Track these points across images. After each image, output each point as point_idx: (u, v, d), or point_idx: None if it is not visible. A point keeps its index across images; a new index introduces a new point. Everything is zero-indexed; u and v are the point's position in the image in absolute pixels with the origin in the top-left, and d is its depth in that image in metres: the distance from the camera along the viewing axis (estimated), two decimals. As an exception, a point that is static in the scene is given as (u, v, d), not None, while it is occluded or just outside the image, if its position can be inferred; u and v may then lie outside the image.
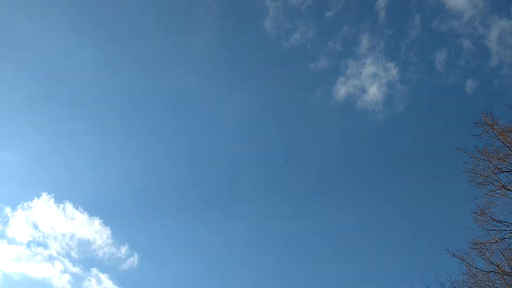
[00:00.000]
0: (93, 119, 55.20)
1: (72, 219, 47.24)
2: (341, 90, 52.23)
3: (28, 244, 46.17)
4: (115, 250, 47.07)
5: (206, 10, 56.60)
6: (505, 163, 18.74)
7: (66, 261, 45.54)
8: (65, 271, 45.03)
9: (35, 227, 46.77)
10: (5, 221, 48.02)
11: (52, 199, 46.94)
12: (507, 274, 18.61)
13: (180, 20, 57.72)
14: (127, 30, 56.81)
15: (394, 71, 51.56)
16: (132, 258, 46.95)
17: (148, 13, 58.35)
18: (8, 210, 48.30)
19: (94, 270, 45.50)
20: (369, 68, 51.85)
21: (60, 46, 55.38)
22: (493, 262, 19.10)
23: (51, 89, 54.99)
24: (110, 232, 47.65)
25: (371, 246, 48.01)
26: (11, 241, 47.98)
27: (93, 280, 44.78)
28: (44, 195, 47.33)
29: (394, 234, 48.17)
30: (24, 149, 53.90)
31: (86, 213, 47.73)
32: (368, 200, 51.45)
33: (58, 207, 46.95)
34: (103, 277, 44.99)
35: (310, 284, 46.40)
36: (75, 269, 45.35)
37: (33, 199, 48.17)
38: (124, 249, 47.17)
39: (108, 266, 46.81)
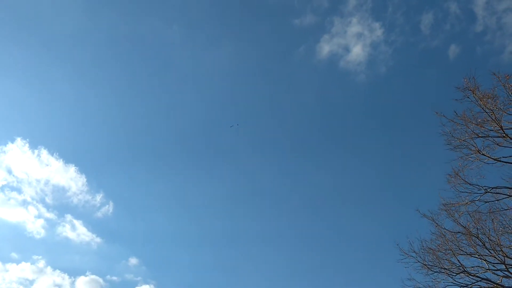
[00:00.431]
0: (71, 64, 53.28)
1: (47, 165, 46.56)
2: (325, 48, 51.50)
3: (2, 188, 45.57)
4: (90, 197, 46.97)
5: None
6: (483, 128, 18.99)
7: (40, 206, 45.30)
8: (39, 216, 44.89)
9: (9, 171, 46.01)
10: (-23, 164, 46.96)
11: (27, 145, 45.98)
12: (473, 236, 19.35)
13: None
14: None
15: (379, 32, 50.98)
16: (107, 206, 47.03)
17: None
18: (-20, 153, 47.15)
19: (69, 217, 45.48)
20: (355, 27, 51.07)
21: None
22: (461, 223, 19.81)
23: (27, 32, 52.55)
24: (85, 179, 47.31)
25: (345, 204, 49.20)
26: (-18, 184, 47.10)
27: (67, 226, 44.86)
28: (19, 140, 46.27)
29: (369, 193, 49.37)
30: (0, 92, 52.03)
31: (61, 159, 47.07)
32: (345, 159, 52.22)
33: (33, 152, 46.09)
34: (78, 223, 45.10)
35: (287, 240, 47.63)
36: (49, 215, 45.23)
37: (7, 143, 47.05)
38: (99, 197, 47.12)
39: (83, 213, 46.86)
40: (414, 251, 20.64)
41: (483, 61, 45.16)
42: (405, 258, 20.76)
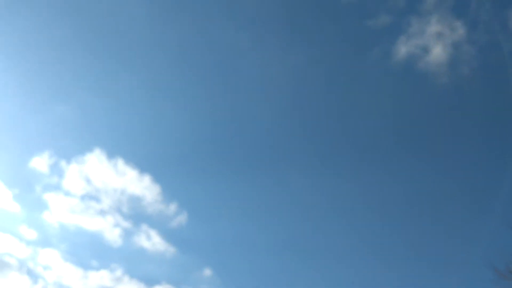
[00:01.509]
0: (142, 72, 54.89)
1: (124, 174, 48.28)
2: (402, 49, 48.66)
3: (82, 198, 47.87)
4: (164, 207, 47.94)
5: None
6: None
7: (117, 215, 47.01)
8: (116, 225, 46.55)
9: (88, 181, 48.24)
10: (61, 174, 49.81)
11: (105, 154, 48.02)
12: None
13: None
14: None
15: (461, 30, 47.26)
16: (181, 216, 47.76)
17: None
18: (63, 163, 50.05)
19: (144, 226, 46.71)
20: (434, 27, 47.73)
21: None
22: None
23: (103, 42, 54.91)
24: (160, 189, 48.39)
25: (424, 217, 45.87)
26: (67, 194, 49.84)
27: (143, 236, 46.14)
28: (97, 150, 48.47)
29: (451, 205, 45.63)
30: (78, 102, 54.73)
31: (136, 169, 48.57)
32: (428, 168, 48.72)
33: (110, 162, 48.01)
34: (153, 233, 46.18)
35: (360, 255, 45.38)
36: (126, 224, 46.74)
37: (86, 153, 49.48)
38: (173, 206, 47.95)
39: (157, 223, 47.85)
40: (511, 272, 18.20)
41: None
42: (499, 280, 18.32)
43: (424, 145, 50.95)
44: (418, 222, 46.39)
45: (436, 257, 42.32)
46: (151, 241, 47.78)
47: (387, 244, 45.59)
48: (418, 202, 47.53)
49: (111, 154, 51.15)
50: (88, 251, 48.46)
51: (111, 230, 47.89)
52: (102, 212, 48.23)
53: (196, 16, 55.23)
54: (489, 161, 46.24)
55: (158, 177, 51.34)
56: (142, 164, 51.66)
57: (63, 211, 47.98)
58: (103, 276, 44.73)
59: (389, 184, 49.85)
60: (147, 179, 50.14)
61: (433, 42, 48.69)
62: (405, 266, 43.66)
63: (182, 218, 49.46)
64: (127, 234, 48.11)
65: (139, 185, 49.77)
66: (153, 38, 55.81)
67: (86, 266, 45.61)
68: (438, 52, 48.08)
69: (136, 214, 49.42)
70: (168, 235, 48.53)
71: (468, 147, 48.89)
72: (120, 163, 49.96)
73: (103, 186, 49.54)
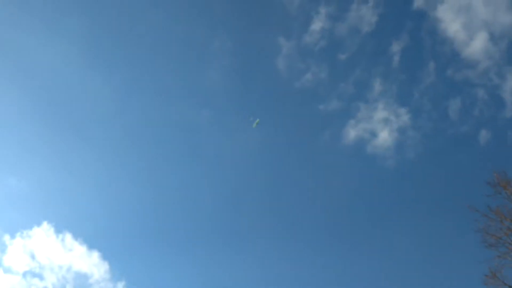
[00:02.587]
0: (99, 150, 54.96)
1: (71, 250, 46.40)
2: (351, 133, 51.78)
3: (24, 275, 45.25)
4: (112, 286, 45.95)
5: (220, 45, 56.97)
6: (519, 225, 18.06)
7: (61, 294, 44.51)
8: (60, 306, 43.96)
9: (32, 257, 45.95)
10: (3, 249, 47.27)
11: (52, 229, 46.28)
12: None
13: (194, 54, 58.06)
14: (140, 60, 57.18)
15: (406, 117, 51.18)
16: (129, 295, 45.75)
17: (163, 44, 58.83)
18: (6, 237, 47.64)
19: (89, 307, 44.33)
20: (381, 113, 51.49)
21: (70, 74, 55.77)
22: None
23: (57, 118, 55.10)
24: (108, 266, 46.63)
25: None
26: (7, 270, 47.06)
27: (88, 317, 43.59)
28: (45, 224, 46.68)
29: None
30: (29, 175, 53.54)
31: (85, 245, 46.90)
32: (372, 250, 50.14)
33: (57, 237, 46.20)
34: (98, 315, 43.80)
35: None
36: (70, 304, 44.27)
37: (33, 227, 47.49)
38: (121, 286, 46.05)
39: (105, 302, 45.63)
40: None
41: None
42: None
43: (374, 227, 52.59)
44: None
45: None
46: (96, 323, 45.17)
47: None
48: (364, 280, 48.11)
49: (59, 228, 49.52)
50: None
51: (53, 312, 45.08)
52: (45, 291, 45.63)
53: (158, 95, 56.88)
54: (435, 246, 48.13)
55: (106, 254, 49.82)
56: (91, 240, 50.16)
57: (2, 290, 44.99)
58: None
59: (333, 263, 50.51)
60: (95, 256, 48.48)
61: (380, 127, 52.22)
62: None
63: (129, 299, 47.45)
64: (72, 315, 45.36)
65: (87, 261, 47.91)
66: (110, 114, 56.53)
67: None
68: (384, 136, 51.44)
69: (82, 293, 47.03)
70: (116, 316, 46.17)
71: (415, 232, 50.86)
72: (68, 238, 48.33)
73: (48, 262, 47.33)
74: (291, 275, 50.05)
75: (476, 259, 19.32)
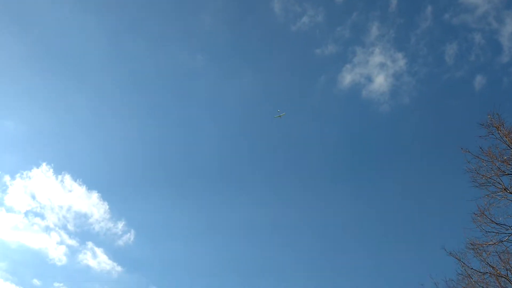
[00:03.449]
0: (96, 92, 54.73)
1: (70, 191, 47.21)
2: (347, 77, 51.60)
3: (26, 214, 46.40)
4: (112, 225, 47.25)
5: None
6: (509, 165, 18.46)
7: (62, 232, 45.79)
8: (61, 242, 45.32)
9: (33, 197, 46.85)
10: (4, 189, 48.09)
11: (51, 170, 46.83)
12: (502, 277, 18.57)
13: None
14: (135, 5, 55.76)
15: (402, 62, 50.84)
16: (129, 234, 47.15)
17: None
18: (7, 178, 48.35)
19: (90, 244, 45.77)
20: (377, 57, 51.06)
21: (65, 18, 54.44)
22: (489, 264, 19.03)
23: (55, 60, 54.34)
24: (107, 207, 47.73)
25: (367, 239, 48.13)
26: (9, 210, 48.14)
27: (89, 254, 45.13)
28: (44, 165, 47.19)
29: (390, 228, 48.23)
30: (27, 118, 53.61)
31: (84, 186, 47.68)
32: (367, 192, 51.40)
33: (57, 178, 46.86)
34: (99, 251, 45.32)
35: (303, 275, 46.77)
36: (71, 242, 45.64)
37: (32, 168, 48.04)
38: (121, 225, 47.34)
39: (104, 241, 47.12)
40: (439, 292, 19.89)
41: (510, 92, 44.22)
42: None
43: (368, 170, 53.49)
44: (362, 243, 48.33)
45: (379, 276, 44.27)
46: (97, 259, 46.79)
47: (341, 256, 47.07)
48: (364, 225, 49.61)
49: (58, 170, 50.04)
50: (30, 270, 46.73)
51: (55, 247, 46.50)
52: (46, 229, 46.79)
53: (153, 40, 55.67)
54: (428, 188, 49.27)
55: (106, 195, 50.77)
56: (90, 181, 50.89)
57: (5, 227, 46.09)
58: (45, 295, 43.24)
59: (337, 207, 51.77)
60: (94, 196, 49.34)
61: (376, 72, 51.82)
62: (346, 281, 45.28)
63: (129, 236, 48.92)
64: (72, 252, 46.87)
65: (87, 202, 48.86)
66: (108, 59, 55.63)
67: (27, 285, 43.96)
68: (380, 81, 51.19)
69: (82, 231, 48.37)
70: (115, 253, 47.81)
71: (409, 174, 51.82)
72: (67, 179, 48.88)
73: (49, 202, 48.20)
74: (286, 215, 51.46)
75: (466, 198, 19.91)
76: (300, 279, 45.53)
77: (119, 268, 43.86)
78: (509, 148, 18.49)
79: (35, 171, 46.09)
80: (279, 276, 46.18)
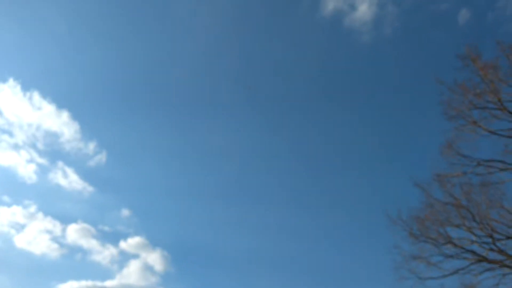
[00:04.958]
0: (68, 6, 51.56)
1: (39, 109, 45.72)
2: (330, 4, 49.69)
3: (-7, 130, 45.00)
4: (83, 145, 46.47)
5: None
6: (481, 99, 18.46)
7: (32, 151, 44.94)
8: (30, 161, 44.57)
9: (0, 113, 45.28)
10: (-31, 105, 46.17)
11: (19, 86, 44.98)
12: (463, 207, 19.21)
13: None
14: None
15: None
16: (100, 155, 46.64)
17: None
18: (-29, 93, 46.28)
19: (60, 164, 45.18)
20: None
21: None
22: (452, 194, 19.60)
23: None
24: (78, 126, 46.55)
25: (336, 166, 48.95)
26: (-25, 126, 46.59)
27: (59, 173, 44.73)
28: (11, 81, 45.23)
29: (362, 156, 48.96)
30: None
31: (54, 104, 46.13)
32: (341, 120, 51.48)
33: (25, 95, 45.13)
34: (69, 171, 44.89)
35: (278, 199, 47.77)
36: (41, 160, 44.94)
37: (-2, 83, 45.98)
38: (92, 145, 46.63)
39: (75, 161, 46.46)
40: (402, 220, 20.56)
41: (494, 28, 43.46)
42: (392, 226, 20.70)
43: (344, 99, 53.49)
44: (332, 169, 49.47)
45: (344, 202, 45.90)
46: (68, 179, 46.55)
47: (304, 189, 48.36)
48: (336, 152, 50.46)
49: (26, 86, 48.28)
50: (-1, 186, 46.44)
51: (24, 166, 45.98)
52: (15, 147, 46.01)
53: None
54: (402, 120, 49.83)
55: (77, 114, 49.57)
56: (60, 100, 49.43)
57: (-28, 144, 45.16)
58: (15, 212, 43.45)
59: (309, 134, 52.23)
60: (65, 115, 48.17)
61: (360, 0, 50.21)
62: (315, 207, 46.85)
63: (101, 157, 48.51)
64: (42, 171, 46.42)
65: (56, 121, 47.65)
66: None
67: (-4, 201, 43.92)
68: (364, 10, 49.76)
69: (52, 151, 47.65)
70: (86, 174, 47.53)
71: (385, 105, 52.13)
72: (36, 96, 47.36)
73: (17, 119, 46.94)
74: (266, 140, 51.77)
75: (438, 131, 20.09)
76: (283, 203, 46.63)
77: (90, 188, 43.84)
78: (482, 81, 18.38)
79: (1, 86, 44.15)
80: (262, 200, 47.10)
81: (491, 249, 18.65)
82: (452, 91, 19.19)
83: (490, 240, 18.78)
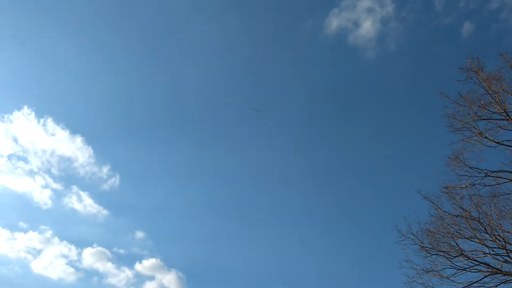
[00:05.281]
0: (76, 31, 52.83)
1: (53, 135, 46.59)
2: (334, 22, 50.38)
3: (9, 157, 45.93)
4: (97, 169, 47.12)
5: None
6: (485, 110, 18.51)
7: (46, 176, 45.64)
8: (45, 186, 45.24)
9: (15, 140, 46.17)
10: (-15, 133, 47.16)
11: (33, 113, 45.93)
12: (474, 219, 19.06)
13: None
14: None
15: (390, 7, 49.59)
16: (114, 178, 47.22)
17: None
18: (-13, 122, 47.29)
19: (75, 188, 45.77)
20: (365, 2, 49.69)
21: None
22: (461, 206, 19.48)
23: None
24: (92, 151, 47.32)
25: (346, 181, 48.92)
26: (-8, 153, 47.48)
27: (74, 197, 45.29)
28: (25, 108, 46.23)
29: (370, 171, 48.91)
30: (7, 59, 51.79)
31: (67, 130, 47.00)
32: (348, 136, 51.64)
33: (39, 122, 46.05)
34: (84, 195, 45.44)
35: (292, 213, 47.72)
36: (56, 185, 45.61)
37: (13, 111, 47.05)
38: (106, 169, 47.27)
39: (89, 185, 47.08)
40: (412, 233, 20.43)
41: (497, 40, 43.66)
42: (402, 240, 20.56)
43: (351, 116, 53.63)
44: (342, 185, 49.32)
45: (354, 217, 45.65)
46: (82, 203, 47.07)
47: (316, 207, 48.26)
48: (345, 167, 50.42)
49: (40, 113, 49.21)
50: (15, 212, 46.98)
51: (40, 191, 46.61)
52: (30, 173, 46.73)
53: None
54: (409, 134, 49.77)
55: (90, 139, 50.34)
56: (73, 125, 50.27)
57: (-12, 171, 45.89)
58: (31, 237, 43.89)
59: (318, 149, 52.28)
60: (78, 141, 48.96)
61: (364, 17, 50.77)
62: (326, 221, 46.64)
63: (114, 181, 49.06)
64: (57, 196, 47.00)
65: (70, 146, 48.46)
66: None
67: (13, 228, 44.42)
68: (367, 27, 50.28)
69: (66, 175, 48.30)
70: (100, 197, 48.04)
71: (391, 121, 52.13)
72: (50, 123, 48.25)
73: (32, 146, 47.78)
74: (277, 160, 51.92)
75: (443, 143, 20.12)
76: (295, 219, 46.61)
77: (105, 212, 44.28)
78: (486, 93, 18.47)
79: (16, 114, 45.20)
80: (275, 217, 47.04)
81: (506, 261, 18.42)
82: (456, 103, 19.30)
83: (503, 251, 18.55)
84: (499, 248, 18.66)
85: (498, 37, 43.96)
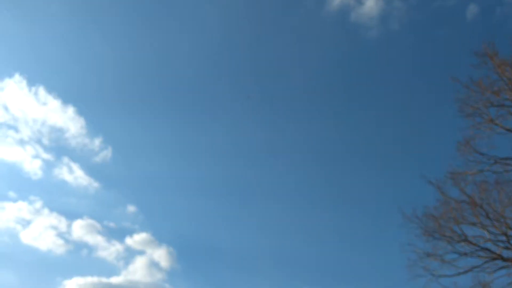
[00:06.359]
0: (75, 1, 51.17)
1: (45, 104, 45.46)
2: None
3: (0, 126, 44.82)
4: (89, 141, 46.27)
5: None
6: (498, 97, 18.35)
7: (37, 146, 44.75)
8: (36, 156, 44.41)
9: (6, 109, 45.02)
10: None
11: (25, 81, 44.68)
12: (478, 205, 19.14)
13: None
14: None
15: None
16: (106, 151, 46.46)
17: None
18: (-23, 88, 45.92)
19: (66, 159, 45.00)
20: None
21: None
22: (467, 193, 19.51)
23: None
24: (84, 122, 46.34)
25: (351, 162, 48.80)
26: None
27: (65, 168, 44.56)
28: (17, 76, 44.93)
29: (375, 153, 48.74)
30: (-1, 25, 50.05)
31: (59, 99, 45.86)
32: (352, 117, 51.27)
33: (30, 90, 44.84)
34: (75, 166, 44.72)
35: (290, 194, 47.62)
36: (47, 156, 44.76)
37: (5, 79, 45.70)
38: (98, 141, 46.44)
39: (81, 157, 46.27)
40: (416, 217, 20.50)
41: (503, 24, 43.20)
42: (406, 224, 20.62)
43: (353, 96, 53.27)
44: (346, 166, 49.31)
45: (358, 198, 45.77)
46: (73, 175, 46.38)
47: (315, 186, 48.27)
48: (348, 149, 50.30)
49: (32, 81, 47.98)
50: (5, 182, 46.25)
51: (30, 161, 45.78)
52: (21, 142, 45.81)
53: None
54: (414, 116, 49.64)
55: (82, 109, 49.30)
56: (66, 95, 49.15)
57: (-23, 139, 44.94)
58: (21, 208, 43.32)
59: (320, 131, 52.00)
60: (70, 111, 47.92)
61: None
62: (328, 203, 46.76)
63: (106, 153, 48.33)
64: (48, 166, 46.23)
65: (62, 116, 47.40)
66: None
67: (2, 197, 43.78)
68: (371, 5, 49.48)
69: (57, 146, 47.43)
70: (91, 169, 47.36)
71: (395, 102, 51.91)
72: (42, 91, 47.07)
73: (22, 115, 46.70)
74: (269, 142, 51.59)
75: (452, 127, 20.01)
76: (293, 200, 46.57)
77: (96, 184, 43.74)
78: (500, 79, 18.27)
79: (7, 81, 43.95)
80: (271, 197, 46.89)
81: (506, 247, 18.60)
82: (468, 88, 19.09)
83: (504, 238, 18.72)
84: (501, 234, 18.83)
85: (502, 21, 43.49)
